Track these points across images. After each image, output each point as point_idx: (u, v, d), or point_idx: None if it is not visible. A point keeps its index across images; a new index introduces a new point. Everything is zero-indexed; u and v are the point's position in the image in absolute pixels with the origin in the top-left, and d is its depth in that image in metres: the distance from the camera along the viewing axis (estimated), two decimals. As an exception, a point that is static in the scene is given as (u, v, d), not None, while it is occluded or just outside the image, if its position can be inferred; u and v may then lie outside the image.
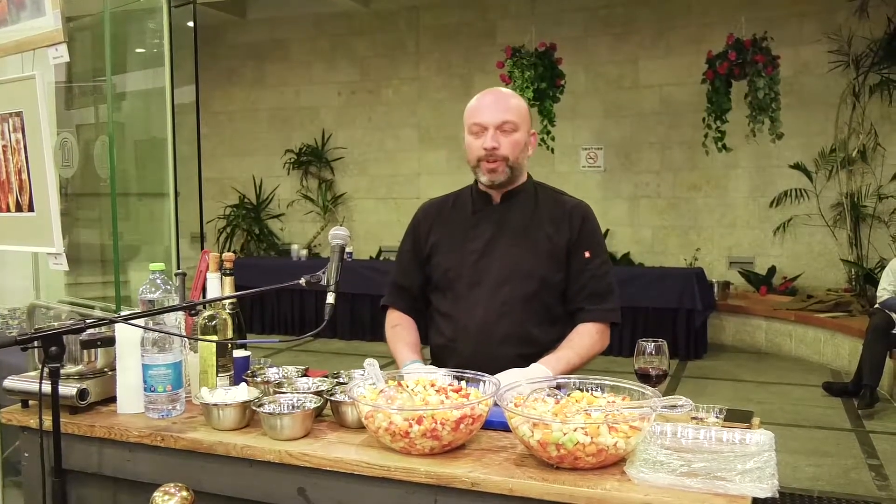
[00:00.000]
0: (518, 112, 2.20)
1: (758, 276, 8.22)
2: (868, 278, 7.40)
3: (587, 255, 2.21)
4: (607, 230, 8.79)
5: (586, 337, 2.20)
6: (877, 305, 5.77)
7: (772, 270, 8.21)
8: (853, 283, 7.72)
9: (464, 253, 2.26)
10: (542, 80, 7.50)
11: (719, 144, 7.25)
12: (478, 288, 2.22)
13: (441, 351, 2.30)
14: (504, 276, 2.16)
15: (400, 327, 2.36)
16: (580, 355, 2.16)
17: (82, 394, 1.95)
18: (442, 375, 1.89)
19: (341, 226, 2.17)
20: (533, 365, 2.06)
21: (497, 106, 2.19)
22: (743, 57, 6.96)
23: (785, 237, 8.20)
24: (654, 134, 8.66)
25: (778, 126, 7.04)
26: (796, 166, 7.90)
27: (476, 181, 2.31)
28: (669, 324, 7.17)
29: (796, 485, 4.16)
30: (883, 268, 6.24)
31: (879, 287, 5.81)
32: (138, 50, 3.39)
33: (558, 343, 2.19)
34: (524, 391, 1.74)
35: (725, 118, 7.23)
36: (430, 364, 2.27)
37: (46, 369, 1.70)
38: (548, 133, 7.65)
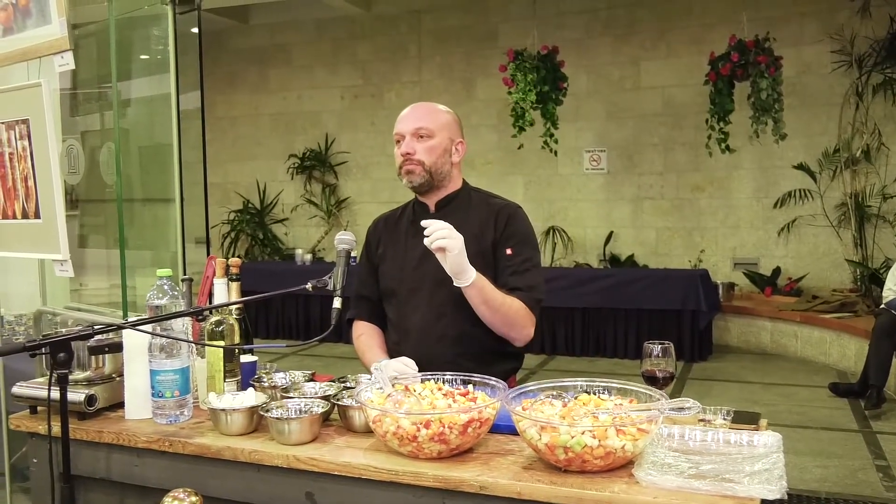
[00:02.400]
0: (433, 120, 2.30)
1: (762, 277, 8.21)
2: (873, 278, 7.39)
3: (509, 251, 2.27)
4: (611, 232, 8.80)
5: (514, 300, 2.20)
6: (882, 305, 5.76)
7: (776, 271, 8.19)
8: (858, 284, 7.70)
9: (405, 261, 2.36)
10: (544, 82, 7.51)
11: (722, 146, 7.25)
12: (417, 293, 2.31)
13: (390, 355, 2.36)
14: (439, 279, 2.19)
15: (364, 336, 2.45)
16: (504, 303, 2.16)
17: (90, 400, 1.96)
18: (410, 366, 2.04)
19: (346, 230, 2.19)
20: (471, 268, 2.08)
21: (412, 116, 2.32)
22: (745, 58, 6.95)
23: (789, 238, 8.19)
24: (656, 135, 8.66)
25: (781, 127, 7.03)
26: (800, 167, 7.88)
27: None
28: (674, 325, 7.16)
29: (803, 486, 4.15)
30: (888, 268, 6.23)
31: (885, 287, 5.80)
32: (143, 56, 3.39)
33: (499, 344, 2.25)
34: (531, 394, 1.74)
35: (728, 119, 7.22)
36: None
37: (55, 375, 1.71)
38: (551, 136, 7.65)
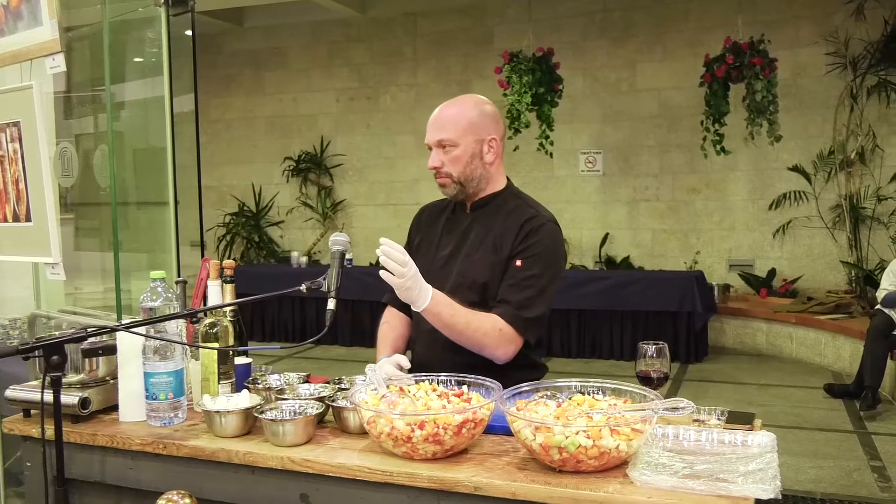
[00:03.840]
0: (455, 126, 2.20)
1: (758, 278, 8.22)
2: (868, 280, 7.40)
3: (518, 264, 2.15)
4: (607, 234, 8.80)
5: (486, 320, 2.08)
6: (877, 307, 5.77)
7: (772, 273, 8.21)
8: (853, 285, 7.71)
9: (434, 259, 2.31)
10: (540, 84, 7.51)
11: (718, 147, 7.27)
12: None
13: (411, 353, 2.35)
14: (456, 284, 2.17)
15: (386, 325, 2.41)
16: (469, 326, 2.06)
17: (84, 402, 1.96)
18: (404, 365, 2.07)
19: (341, 232, 2.17)
20: (432, 289, 2.01)
21: (434, 125, 2.24)
22: (740, 60, 6.97)
23: (784, 239, 8.20)
24: (652, 137, 8.67)
25: (776, 129, 7.05)
26: (795, 168, 7.91)
27: None
28: (670, 327, 7.17)
29: (799, 487, 4.15)
30: (883, 269, 6.24)
31: (879, 288, 5.81)
32: (137, 59, 3.39)
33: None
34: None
35: (724, 121, 7.24)
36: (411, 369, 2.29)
37: (48, 378, 1.70)
38: (546, 138, 7.66)
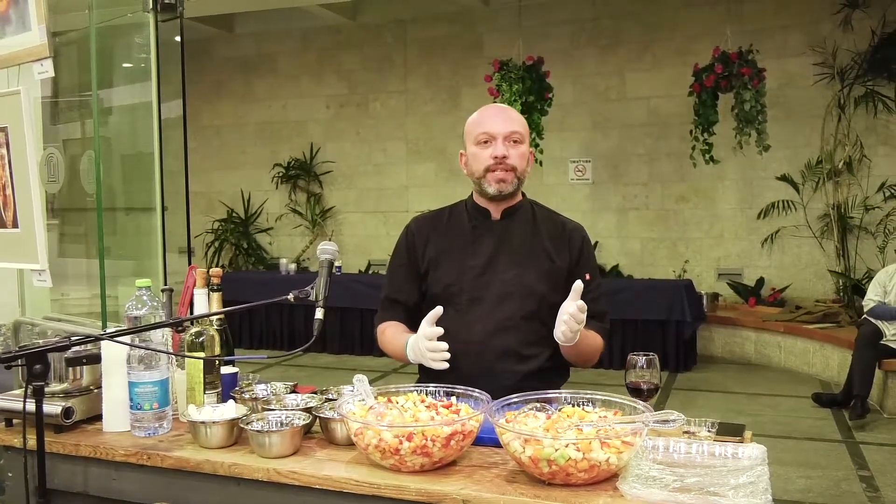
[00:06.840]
0: (523, 125, 2.25)
1: (746, 287, 8.25)
2: (856, 289, 7.43)
3: (588, 277, 2.20)
4: (596, 242, 8.81)
5: (597, 339, 2.25)
6: (864, 316, 5.79)
7: (760, 282, 8.24)
8: (841, 294, 7.75)
9: (464, 268, 2.24)
10: (529, 93, 7.53)
11: (707, 156, 7.29)
12: (479, 304, 2.21)
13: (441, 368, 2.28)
14: (505, 293, 2.16)
15: (388, 330, 2.32)
16: (591, 347, 2.22)
17: (67, 412, 1.93)
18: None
19: (330, 240, 2.15)
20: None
21: (505, 117, 2.23)
22: (729, 70, 7.01)
23: (773, 248, 8.23)
24: (641, 146, 8.70)
25: (764, 138, 7.08)
26: (783, 178, 7.95)
27: (471, 196, 2.33)
28: (659, 336, 7.17)
29: (787, 497, 4.15)
30: (870, 279, 6.27)
31: (866, 298, 5.83)
32: (125, 64, 3.36)
33: (550, 362, 2.21)
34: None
35: (712, 130, 7.27)
36: (419, 379, 2.25)
37: (30, 388, 1.68)
38: (536, 146, 7.66)
